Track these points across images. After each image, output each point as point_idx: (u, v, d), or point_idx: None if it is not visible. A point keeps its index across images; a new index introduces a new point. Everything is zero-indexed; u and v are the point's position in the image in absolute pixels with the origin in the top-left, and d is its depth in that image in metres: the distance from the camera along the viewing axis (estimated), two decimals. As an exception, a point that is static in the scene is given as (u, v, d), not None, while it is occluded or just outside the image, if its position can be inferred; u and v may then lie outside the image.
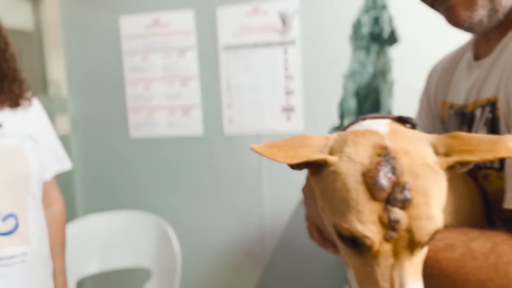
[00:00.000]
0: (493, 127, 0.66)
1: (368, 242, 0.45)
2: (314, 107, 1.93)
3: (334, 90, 1.91)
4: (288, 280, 1.12)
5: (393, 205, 0.45)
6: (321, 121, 1.91)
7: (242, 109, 1.98)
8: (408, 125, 0.58)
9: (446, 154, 0.48)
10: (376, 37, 1.86)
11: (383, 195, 0.45)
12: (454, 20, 0.68)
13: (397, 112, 1.78)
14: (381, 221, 0.45)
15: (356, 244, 0.47)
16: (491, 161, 0.65)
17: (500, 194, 0.64)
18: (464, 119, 0.76)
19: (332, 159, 0.49)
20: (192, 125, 2.05)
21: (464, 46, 0.87)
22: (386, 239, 0.45)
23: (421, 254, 0.48)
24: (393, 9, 1.82)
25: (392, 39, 1.84)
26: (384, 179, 0.45)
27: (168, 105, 2.07)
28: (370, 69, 1.88)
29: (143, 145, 2.16)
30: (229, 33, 1.95)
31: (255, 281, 1.07)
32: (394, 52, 1.85)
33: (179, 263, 1.63)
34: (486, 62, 0.72)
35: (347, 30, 1.87)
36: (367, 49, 1.87)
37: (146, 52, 2.07)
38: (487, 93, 0.68)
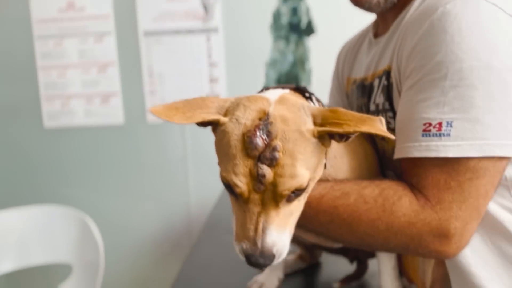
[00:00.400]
0: (388, 93, 0.75)
1: (238, 190, 0.54)
2: (238, 95, 1.96)
3: (257, 78, 1.96)
4: (209, 267, 1.11)
5: (263, 163, 0.53)
6: (244, 108, 1.95)
7: (166, 97, 1.95)
8: (307, 94, 0.68)
9: (321, 125, 0.56)
10: (295, 27, 1.94)
11: (256, 153, 0.53)
12: (356, 1, 0.78)
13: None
14: (251, 175, 0.53)
15: (233, 191, 0.56)
16: (389, 124, 0.75)
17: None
18: (364, 90, 0.85)
19: (223, 119, 0.57)
20: (112, 113, 1.99)
21: (368, 27, 0.97)
22: (255, 190, 0.54)
23: (289, 208, 0.56)
24: (310, 0, 1.91)
25: (309, 29, 1.94)
26: (259, 139, 0.53)
27: (86, 92, 1.98)
28: (290, 58, 1.95)
29: (58, 135, 2.04)
30: (150, 19, 1.91)
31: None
32: (311, 42, 1.94)
33: (102, 258, 1.57)
34: (383, 39, 0.82)
35: (268, 19, 1.92)
36: (287, 39, 1.94)
37: (60, 37, 1.95)
38: (383, 65, 0.77)
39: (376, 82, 0.80)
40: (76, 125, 2.01)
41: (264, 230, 0.54)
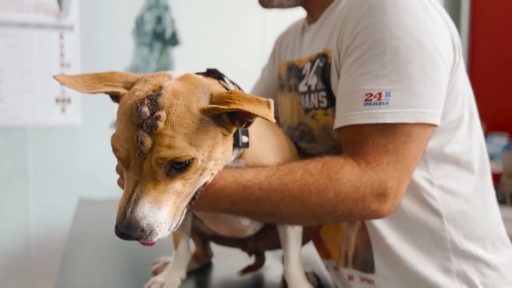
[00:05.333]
0: (323, 74, 0.82)
1: (117, 154, 0.56)
2: (92, 100, 1.79)
3: (115, 84, 1.82)
4: (90, 276, 0.97)
5: (144, 130, 0.54)
6: (101, 115, 1.78)
7: (4, 97, 1.68)
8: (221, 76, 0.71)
9: (215, 103, 0.58)
10: (159, 36, 1.89)
11: (139, 120, 0.55)
12: (261, 3, 0.90)
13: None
14: (133, 141, 0.54)
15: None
16: (321, 103, 0.83)
17: (325, 128, 0.83)
18: (296, 72, 0.92)
19: (122, 92, 0.60)
20: None
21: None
22: (136, 156, 0.55)
23: (173, 186, 0.57)
24: (175, 11, 1.90)
25: (174, 40, 1.91)
26: (145, 108, 0.55)
27: None
28: (153, 65, 1.88)
29: None
30: (-10, 7, 1.66)
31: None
32: (176, 52, 1.91)
33: None
34: (313, 27, 0.90)
35: (130, 24, 1.84)
36: (151, 46, 1.88)
37: None
38: (317, 49, 0.85)
39: (307, 65, 0.87)
40: None
41: (136, 201, 0.53)
